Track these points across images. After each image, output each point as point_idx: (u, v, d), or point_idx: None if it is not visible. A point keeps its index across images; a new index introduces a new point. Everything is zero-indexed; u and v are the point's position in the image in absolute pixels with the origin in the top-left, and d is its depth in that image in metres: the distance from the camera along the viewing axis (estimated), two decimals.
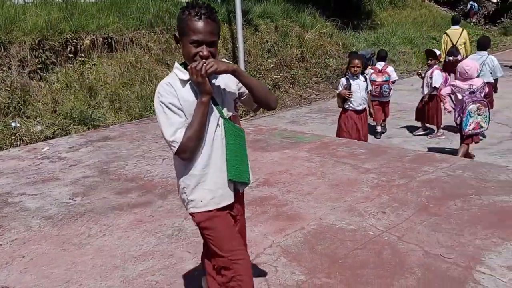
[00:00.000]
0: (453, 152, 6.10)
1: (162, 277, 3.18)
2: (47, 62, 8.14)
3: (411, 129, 7.87)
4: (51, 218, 4.21)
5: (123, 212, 4.29)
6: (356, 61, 6.22)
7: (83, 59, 8.65)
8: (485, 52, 7.43)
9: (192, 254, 3.45)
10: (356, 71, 6.18)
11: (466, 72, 5.64)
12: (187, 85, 2.09)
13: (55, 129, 7.24)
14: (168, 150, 6.04)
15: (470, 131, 5.69)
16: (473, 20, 24.39)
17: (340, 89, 6.34)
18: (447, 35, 10.19)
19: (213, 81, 2.14)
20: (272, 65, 11.08)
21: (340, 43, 13.45)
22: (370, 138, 6.94)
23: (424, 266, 3.16)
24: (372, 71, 7.75)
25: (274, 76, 10.79)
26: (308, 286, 3.01)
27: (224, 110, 2.17)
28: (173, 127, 2.06)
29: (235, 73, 2.08)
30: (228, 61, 2.14)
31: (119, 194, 4.73)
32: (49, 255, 3.55)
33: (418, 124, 7.74)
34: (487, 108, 5.69)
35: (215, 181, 2.17)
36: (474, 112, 5.60)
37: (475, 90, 5.61)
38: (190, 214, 2.26)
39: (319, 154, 5.80)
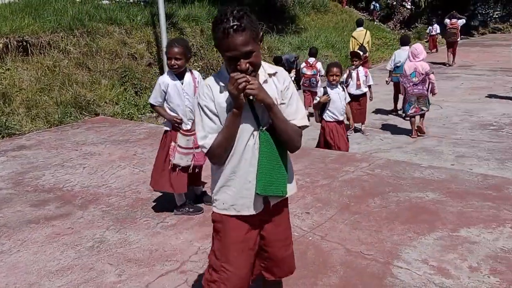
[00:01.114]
0: (370, 151, 6.38)
1: None
2: None
3: None
4: None
5: (39, 225, 4.05)
6: (335, 69, 5.91)
7: None
8: (407, 47, 8.72)
9: (114, 266, 3.32)
10: (335, 80, 5.92)
11: (416, 51, 7.15)
12: (226, 92, 2.00)
13: None
14: (89, 158, 5.81)
15: (411, 114, 7.24)
16: (376, 19, 27.07)
17: (318, 100, 6.04)
18: (353, 37, 11.50)
19: None
20: (198, 69, 11.00)
21: (265, 47, 13.63)
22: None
23: (346, 264, 3.26)
24: (304, 64, 9.15)
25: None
26: None
27: (263, 122, 2.07)
28: (204, 131, 2.05)
29: (269, 108, 1.98)
30: (265, 72, 2.07)
31: (35, 207, 4.46)
32: None
33: None
34: (426, 97, 7.09)
35: (238, 189, 2.11)
36: (415, 101, 7.11)
37: (417, 82, 6.96)
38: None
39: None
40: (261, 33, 2.00)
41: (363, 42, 11.00)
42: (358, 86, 7.46)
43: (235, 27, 1.86)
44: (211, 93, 2.03)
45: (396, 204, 4.27)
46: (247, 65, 1.92)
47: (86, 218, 4.17)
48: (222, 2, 14.70)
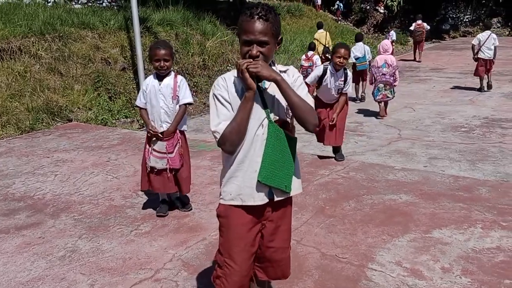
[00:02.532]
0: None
1: None
2: None
3: (309, 134, 8.17)
4: None
5: (9, 235, 3.94)
6: (343, 50, 5.32)
7: None
8: (361, 43, 10.64)
9: (86, 276, 3.26)
10: (341, 62, 5.34)
11: (386, 46, 8.72)
12: (238, 81, 2.12)
13: None
14: (61, 165, 5.70)
15: (379, 99, 8.64)
16: (339, 18, 28.47)
17: (311, 79, 5.62)
18: (316, 39, 12.42)
19: (267, 84, 2.13)
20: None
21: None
22: None
23: (321, 268, 3.27)
24: (304, 57, 10.64)
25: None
26: None
27: (272, 114, 2.14)
28: (219, 118, 2.11)
29: (276, 83, 2.04)
30: (277, 71, 2.12)
31: (4, 216, 4.35)
32: None
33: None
34: (391, 86, 8.49)
35: (245, 178, 2.15)
36: (382, 88, 8.52)
37: (385, 73, 8.42)
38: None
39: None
40: (281, 37, 2.15)
41: (325, 42, 12.14)
42: None
43: (260, 14, 2.01)
44: (226, 84, 2.14)
45: (370, 207, 4.31)
46: (258, 52, 2.03)
47: (57, 227, 4.08)
48: (197, 6, 14.68)
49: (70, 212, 4.40)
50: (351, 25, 28.75)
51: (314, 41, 12.16)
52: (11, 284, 3.20)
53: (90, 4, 13.77)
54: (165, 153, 4.02)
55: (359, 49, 10.46)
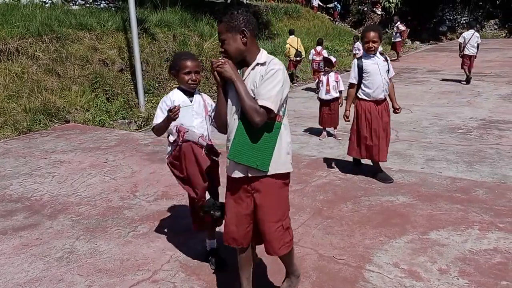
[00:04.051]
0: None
1: None
2: None
3: (307, 135, 8.18)
4: None
5: (6, 237, 3.93)
6: (372, 33, 4.88)
7: None
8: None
9: (83, 277, 3.25)
10: (371, 47, 4.90)
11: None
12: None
13: None
14: (58, 166, 5.70)
15: None
16: (337, 19, 28.68)
17: (352, 74, 5.12)
18: (289, 44, 13.42)
19: (246, 75, 2.49)
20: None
21: None
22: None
23: (319, 269, 3.28)
24: (313, 52, 12.04)
25: (174, 86, 10.65)
26: None
27: None
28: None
29: (230, 82, 2.43)
30: (237, 71, 2.46)
31: (2, 217, 4.34)
32: None
33: (315, 129, 8.05)
34: None
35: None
36: None
37: None
38: None
39: (219, 163, 5.80)
40: (243, 29, 2.41)
41: (297, 46, 13.32)
42: (328, 91, 7.51)
43: (219, 19, 2.48)
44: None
45: (367, 208, 4.31)
46: (222, 49, 2.46)
47: (55, 228, 4.07)
48: (194, 8, 14.69)
49: (68, 213, 4.40)
50: (348, 26, 28.81)
51: (286, 46, 13.55)
52: (9, 285, 3.20)
53: (87, 5, 13.75)
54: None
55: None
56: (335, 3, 29.28)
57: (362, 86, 5.04)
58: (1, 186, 5.16)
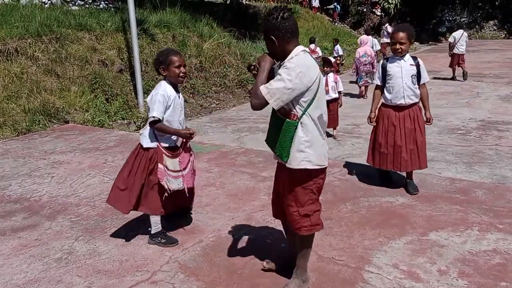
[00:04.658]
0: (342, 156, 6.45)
1: None
2: None
3: None
4: None
5: (5, 237, 3.93)
6: (400, 34, 4.57)
7: None
8: (370, 37, 12.15)
9: (83, 278, 3.25)
10: (397, 49, 4.59)
11: (365, 40, 11.25)
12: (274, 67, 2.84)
13: None
14: (58, 167, 5.69)
15: (362, 84, 10.91)
16: (336, 20, 28.98)
17: (376, 75, 4.94)
18: None
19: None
20: None
21: (238, 53, 13.64)
22: None
23: (318, 270, 3.27)
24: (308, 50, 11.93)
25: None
26: None
27: None
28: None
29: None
30: (269, 64, 2.73)
31: (1, 218, 4.33)
32: None
33: None
34: (371, 73, 10.41)
35: None
36: (364, 75, 10.75)
37: (366, 63, 10.62)
38: None
39: (218, 164, 5.81)
40: (273, 36, 2.68)
41: None
42: (327, 92, 7.51)
43: None
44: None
45: (367, 209, 4.31)
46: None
47: (54, 229, 4.07)
48: (194, 8, 14.70)
49: (67, 214, 4.39)
50: (348, 27, 28.84)
51: None
52: (7, 286, 3.19)
53: (87, 5, 13.75)
54: (179, 170, 3.60)
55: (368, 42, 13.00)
56: (335, 3, 29.34)
57: (384, 89, 4.81)
58: (0, 186, 5.15)
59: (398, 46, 4.58)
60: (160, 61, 3.55)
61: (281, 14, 2.67)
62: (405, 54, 4.67)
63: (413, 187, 4.74)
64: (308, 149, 2.70)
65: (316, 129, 2.72)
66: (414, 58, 4.76)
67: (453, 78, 13.10)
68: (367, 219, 4.10)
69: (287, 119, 2.67)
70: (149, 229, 3.74)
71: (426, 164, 4.77)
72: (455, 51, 12.80)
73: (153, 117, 3.49)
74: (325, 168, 2.85)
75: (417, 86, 4.68)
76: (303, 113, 2.65)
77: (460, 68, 13.00)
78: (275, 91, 2.55)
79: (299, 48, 2.70)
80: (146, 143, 3.58)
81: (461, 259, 3.38)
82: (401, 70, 4.65)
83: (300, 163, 2.72)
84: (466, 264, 3.32)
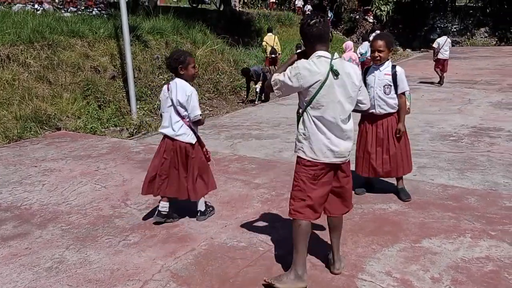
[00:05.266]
0: None
1: None
2: None
3: (290, 140, 8.18)
4: None
5: None
6: (378, 42, 4.53)
7: None
8: (366, 42, 12.74)
9: (73, 287, 3.21)
10: (376, 57, 4.57)
11: (349, 46, 11.96)
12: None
13: None
14: (49, 175, 5.65)
15: None
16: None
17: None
18: (265, 41, 14.48)
19: None
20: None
21: (232, 60, 13.68)
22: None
23: (311, 278, 3.25)
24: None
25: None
26: None
27: None
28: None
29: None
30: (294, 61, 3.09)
31: None
32: None
33: None
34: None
35: None
36: None
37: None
38: None
39: None
40: (301, 42, 3.35)
41: (273, 44, 14.13)
42: None
43: None
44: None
45: (360, 216, 4.31)
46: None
47: (44, 238, 4.03)
48: (187, 15, 14.72)
49: (58, 222, 4.35)
50: (341, 34, 28.99)
51: (263, 43, 14.36)
52: None
53: (79, 12, 13.73)
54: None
55: (364, 47, 13.41)
56: (327, 11, 29.54)
57: None
58: None
59: (376, 53, 4.55)
60: (181, 61, 3.98)
61: (308, 21, 2.99)
62: (384, 63, 4.63)
63: (405, 194, 4.75)
64: (304, 141, 3.05)
65: (314, 127, 3.00)
66: (393, 66, 4.69)
67: (440, 82, 13.52)
68: (360, 226, 4.10)
69: (297, 111, 3.10)
70: (198, 210, 4.30)
71: (401, 173, 4.78)
72: (439, 56, 13.28)
73: (200, 115, 4.09)
74: (320, 163, 3.03)
75: (393, 95, 4.64)
76: (304, 111, 3.02)
77: (441, 72, 13.49)
78: (277, 81, 3.01)
79: (318, 53, 2.97)
80: (193, 138, 4.15)
81: (454, 267, 3.38)
82: (374, 80, 4.64)
83: (297, 150, 3.12)
84: (459, 271, 3.32)
